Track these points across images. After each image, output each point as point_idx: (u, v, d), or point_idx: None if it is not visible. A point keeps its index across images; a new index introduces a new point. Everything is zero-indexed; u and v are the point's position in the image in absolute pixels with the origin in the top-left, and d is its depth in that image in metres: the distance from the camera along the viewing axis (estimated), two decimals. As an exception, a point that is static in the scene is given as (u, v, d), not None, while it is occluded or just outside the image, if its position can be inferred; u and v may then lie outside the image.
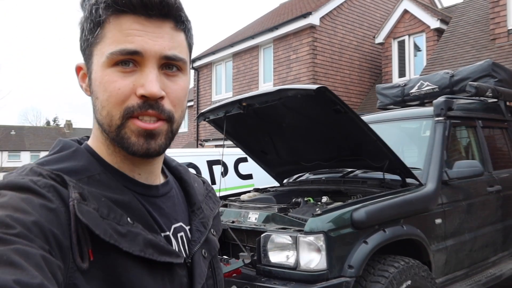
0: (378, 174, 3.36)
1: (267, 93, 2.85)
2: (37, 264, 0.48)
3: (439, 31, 9.61)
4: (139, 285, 0.59)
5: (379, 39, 10.62)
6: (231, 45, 12.16)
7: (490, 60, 4.41)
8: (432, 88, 4.77)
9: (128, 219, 0.60)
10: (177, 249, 0.70)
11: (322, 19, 10.10)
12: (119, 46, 0.62)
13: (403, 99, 5.08)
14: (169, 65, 0.66)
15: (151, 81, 0.62)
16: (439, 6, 13.14)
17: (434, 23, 9.61)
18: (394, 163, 3.05)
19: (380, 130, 4.00)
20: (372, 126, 4.10)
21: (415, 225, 2.87)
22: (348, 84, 10.69)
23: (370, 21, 11.45)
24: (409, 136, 3.75)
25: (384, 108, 5.40)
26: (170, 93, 0.65)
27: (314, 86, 2.58)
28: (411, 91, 4.97)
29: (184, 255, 0.71)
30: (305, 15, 9.82)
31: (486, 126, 4.09)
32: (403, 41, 10.35)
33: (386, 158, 3.04)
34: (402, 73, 10.32)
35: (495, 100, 4.21)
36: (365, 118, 4.31)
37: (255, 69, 11.63)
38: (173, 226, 0.72)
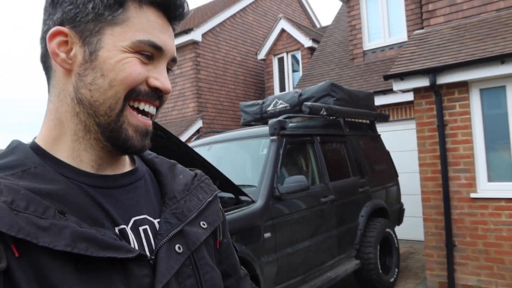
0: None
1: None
2: None
3: (312, 50, 10.41)
4: (66, 286, 0.52)
5: (261, 55, 11.15)
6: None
7: (329, 81, 4.87)
8: (285, 106, 5.13)
9: (57, 211, 0.55)
10: (135, 245, 0.62)
11: (204, 35, 10.28)
12: (148, 37, 0.62)
13: (262, 116, 5.38)
14: (168, 67, 0.68)
15: (166, 78, 0.65)
16: (318, 26, 14.26)
17: (307, 42, 10.38)
18: (225, 182, 3.20)
19: (226, 149, 4.19)
20: (217, 145, 4.26)
21: (241, 241, 3.04)
22: (233, 99, 11.00)
23: (253, 38, 11.96)
24: (250, 154, 3.97)
25: (247, 124, 5.66)
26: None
27: None
28: (268, 109, 5.28)
29: (148, 251, 0.63)
30: (187, 31, 9.90)
31: (325, 141, 4.51)
32: (282, 57, 11.00)
33: (216, 177, 3.17)
34: (283, 88, 10.94)
35: (333, 117, 4.66)
36: (210, 139, 4.48)
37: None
38: (133, 218, 0.65)
